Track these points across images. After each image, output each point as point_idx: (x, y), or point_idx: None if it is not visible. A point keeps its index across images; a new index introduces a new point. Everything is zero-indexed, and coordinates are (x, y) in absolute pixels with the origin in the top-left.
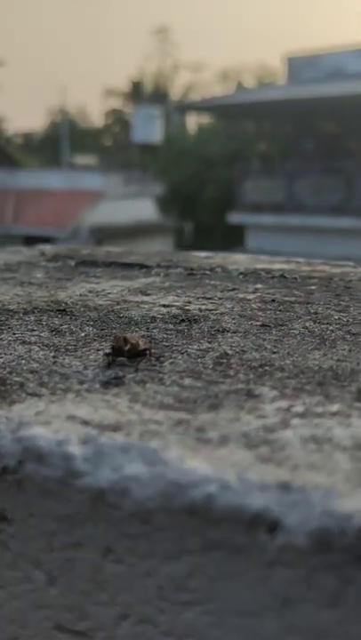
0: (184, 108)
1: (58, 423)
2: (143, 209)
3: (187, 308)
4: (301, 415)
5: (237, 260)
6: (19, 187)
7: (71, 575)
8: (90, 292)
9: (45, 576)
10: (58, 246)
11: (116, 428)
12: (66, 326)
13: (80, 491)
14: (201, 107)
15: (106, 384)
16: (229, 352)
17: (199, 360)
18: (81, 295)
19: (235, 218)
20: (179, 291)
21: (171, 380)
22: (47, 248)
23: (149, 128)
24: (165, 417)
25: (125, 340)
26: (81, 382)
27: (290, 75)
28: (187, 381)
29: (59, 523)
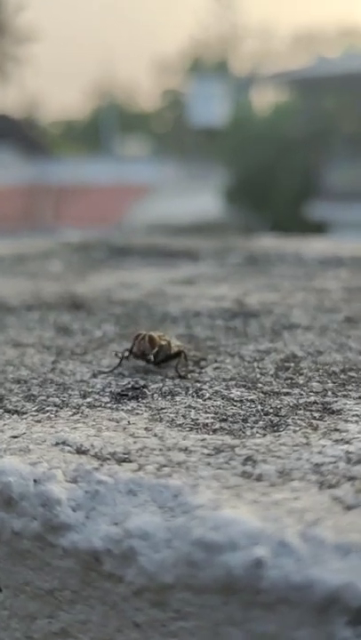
0: (252, 83)
1: (40, 451)
2: (205, 204)
3: (243, 300)
4: None
5: (315, 247)
6: (59, 181)
7: None
8: (118, 283)
9: None
10: (88, 235)
11: (123, 458)
12: (78, 324)
13: (66, 553)
14: (273, 81)
15: (119, 397)
16: (299, 353)
17: (256, 364)
18: (105, 288)
19: (316, 211)
20: (235, 281)
21: (213, 390)
22: (74, 236)
23: (210, 109)
24: (199, 443)
25: (151, 340)
26: (84, 395)
27: None
28: (236, 392)
29: (38, 602)
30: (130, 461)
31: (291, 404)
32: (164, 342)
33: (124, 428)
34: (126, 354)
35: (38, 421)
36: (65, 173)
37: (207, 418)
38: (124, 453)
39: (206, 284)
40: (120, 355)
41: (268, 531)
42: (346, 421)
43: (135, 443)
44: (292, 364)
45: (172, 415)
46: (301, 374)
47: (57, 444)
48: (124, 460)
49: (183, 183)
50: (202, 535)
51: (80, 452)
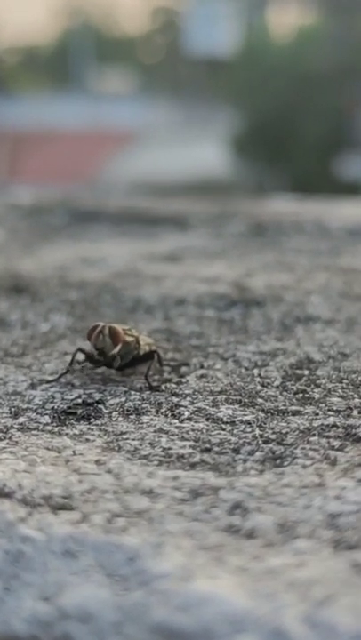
0: (268, 0)
1: None
2: (206, 157)
3: (245, 283)
4: None
5: (343, 213)
6: (17, 125)
7: None
8: (77, 259)
9: None
10: (44, 194)
11: (61, 504)
12: (17, 314)
13: None
14: None
15: (64, 416)
16: (316, 357)
17: (256, 372)
18: (59, 265)
19: (349, 166)
20: (234, 257)
21: (194, 407)
22: (25, 196)
23: (213, 34)
24: (169, 482)
25: (114, 334)
26: (15, 413)
27: None
28: (226, 411)
29: None
30: (70, 509)
31: (301, 428)
32: (130, 339)
33: (67, 461)
34: (79, 355)
35: None
36: (24, 115)
37: (184, 447)
38: (64, 497)
39: (196, 260)
40: (73, 357)
41: (258, 613)
42: None
43: (80, 482)
44: (307, 372)
45: (134, 443)
46: (318, 386)
47: None
48: (63, 508)
49: (178, 129)
50: (165, 618)
51: (1, 494)
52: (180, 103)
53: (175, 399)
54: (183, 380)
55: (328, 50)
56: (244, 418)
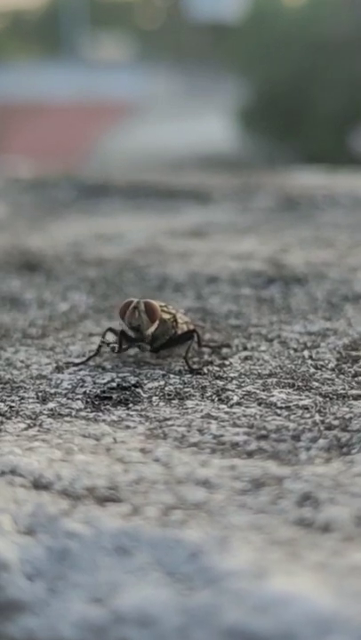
0: None
1: None
2: (210, 130)
3: (282, 259)
4: None
5: None
6: (3, 96)
7: None
8: (92, 235)
9: None
10: (46, 168)
11: (107, 496)
12: (32, 293)
13: None
14: None
15: (98, 401)
16: None
17: (307, 353)
18: (72, 241)
19: None
20: (266, 232)
21: (243, 392)
22: (24, 169)
23: None
24: (227, 472)
25: (150, 310)
26: (44, 398)
27: None
28: (279, 395)
29: None
30: (119, 501)
31: None
32: (167, 316)
33: (108, 450)
34: (109, 336)
35: None
36: (11, 85)
37: (237, 434)
38: (110, 488)
39: (223, 236)
40: (103, 339)
41: (347, 613)
42: None
43: (126, 472)
44: None
45: (181, 429)
46: None
47: (2, 473)
48: (110, 500)
49: (180, 101)
50: (239, 621)
51: (39, 486)
52: (183, 72)
53: (220, 383)
54: (226, 362)
55: (345, 14)
56: (301, 403)
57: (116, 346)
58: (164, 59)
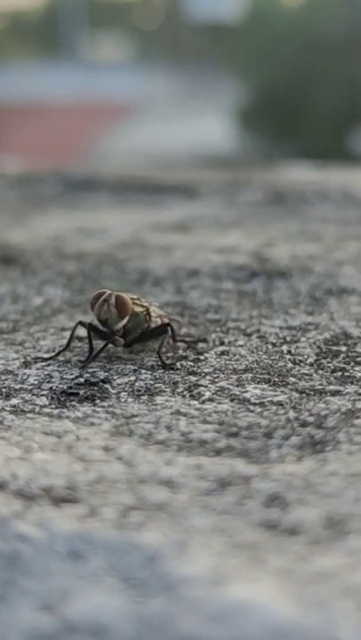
0: None
1: None
2: (209, 130)
3: (266, 253)
4: None
5: None
6: (3, 96)
7: None
8: (74, 229)
9: None
10: (34, 164)
11: (64, 497)
12: (7, 287)
13: None
14: None
15: (65, 397)
16: (354, 332)
17: (286, 348)
18: (53, 236)
19: None
20: (252, 226)
21: (216, 387)
22: (12, 165)
23: None
24: (192, 471)
25: (121, 303)
26: (7, 394)
27: None
28: (254, 391)
29: None
30: (76, 502)
31: (343, 410)
32: (140, 309)
33: (70, 448)
34: (79, 330)
35: None
36: (10, 85)
37: (206, 431)
38: (67, 488)
39: (208, 230)
40: (73, 331)
41: (308, 623)
42: None
43: (86, 471)
44: (344, 349)
45: (148, 427)
46: (359, 363)
47: None
48: (67, 500)
49: (178, 101)
50: (194, 631)
51: None
52: (181, 72)
53: (193, 378)
54: (201, 357)
55: (343, 14)
56: (275, 399)
57: (84, 363)
58: (162, 59)
